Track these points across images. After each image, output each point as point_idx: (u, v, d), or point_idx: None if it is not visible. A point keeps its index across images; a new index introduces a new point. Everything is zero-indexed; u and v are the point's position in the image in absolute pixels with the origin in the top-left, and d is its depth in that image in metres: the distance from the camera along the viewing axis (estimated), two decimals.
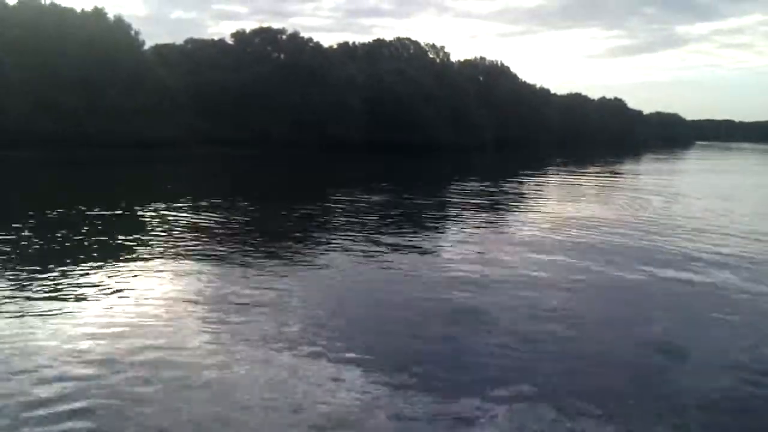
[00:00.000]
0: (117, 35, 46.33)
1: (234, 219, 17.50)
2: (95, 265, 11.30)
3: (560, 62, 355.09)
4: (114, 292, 9.51)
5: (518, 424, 5.78)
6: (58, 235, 13.93)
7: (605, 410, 6.08)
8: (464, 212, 20.16)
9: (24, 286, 9.70)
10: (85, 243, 13.54)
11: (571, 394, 6.38)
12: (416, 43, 74.27)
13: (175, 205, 19.75)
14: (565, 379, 6.75)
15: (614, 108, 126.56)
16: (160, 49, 55.03)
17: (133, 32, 49.06)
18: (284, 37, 59.65)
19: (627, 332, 8.54)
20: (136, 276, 10.60)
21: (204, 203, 20.22)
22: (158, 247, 13.18)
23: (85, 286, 9.79)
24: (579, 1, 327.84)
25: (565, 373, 6.92)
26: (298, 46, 59.06)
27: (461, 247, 14.09)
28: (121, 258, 12.04)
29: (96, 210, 18.16)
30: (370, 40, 74.29)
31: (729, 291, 10.61)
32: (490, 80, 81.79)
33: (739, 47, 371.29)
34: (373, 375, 6.69)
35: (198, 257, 12.18)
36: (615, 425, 5.83)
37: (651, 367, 7.28)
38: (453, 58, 79.24)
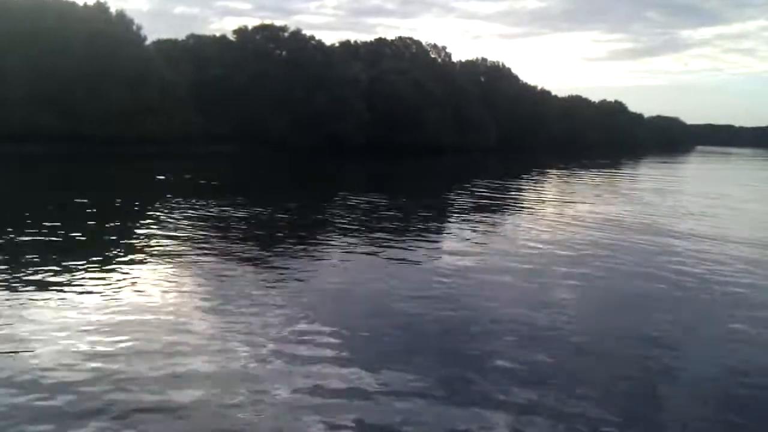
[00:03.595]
0: (119, 30, 46.16)
1: (232, 218, 17.37)
2: (96, 259, 11.19)
3: (561, 64, 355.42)
4: (108, 287, 9.47)
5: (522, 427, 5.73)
6: (58, 229, 13.80)
7: (613, 413, 6.02)
8: (471, 214, 20.07)
9: (25, 280, 9.59)
10: (85, 237, 13.45)
11: (577, 398, 6.34)
12: (418, 43, 74.10)
13: (174, 202, 19.64)
14: (570, 383, 6.70)
15: (614, 111, 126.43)
16: (162, 45, 54.82)
17: (135, 27, 48.96)
18: (286, 34, 59.45)
19: (629, 331, 8.51)
20: (125, 273, 10.52)
21: (201, 201, 20.08)
22: (153, 242, 13.08)
23: (86, 280, 9.71)
24: (582, 5, 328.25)
25: (570, 376, 6.87)
26: (300, 44, 58.88)
27: (467, 250, 14.02)
28: (116, 253, 11.95)
29: (96, 204, 18.05)
30: (373, 39, 74.19)
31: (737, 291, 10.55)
32: (492, 81, 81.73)
33: (741, 52, 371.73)
34: (373, 379, 6.61)
35: (196, 255, 12.10)
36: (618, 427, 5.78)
37: (654, 367, 7.23)
38: (455, 59, 79.25)
